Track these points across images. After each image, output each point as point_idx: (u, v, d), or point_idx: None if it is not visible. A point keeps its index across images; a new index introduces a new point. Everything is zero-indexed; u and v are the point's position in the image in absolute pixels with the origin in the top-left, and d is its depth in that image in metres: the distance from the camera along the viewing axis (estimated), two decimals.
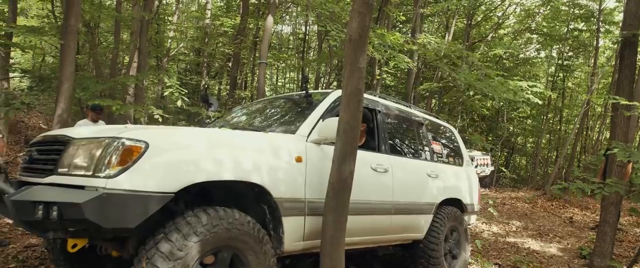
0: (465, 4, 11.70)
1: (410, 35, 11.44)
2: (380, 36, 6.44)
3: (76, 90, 6.92)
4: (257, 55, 14.22)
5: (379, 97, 4.40)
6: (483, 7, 15.43)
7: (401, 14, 9.40)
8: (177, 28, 15.01)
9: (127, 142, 2.14)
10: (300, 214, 2.92)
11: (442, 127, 5.16)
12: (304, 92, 3.72)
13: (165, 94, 10.66)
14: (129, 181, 2.05)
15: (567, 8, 14.95)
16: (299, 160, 2.96)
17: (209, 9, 15.38)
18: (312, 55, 19.38)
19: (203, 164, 2.34)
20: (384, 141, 3.91)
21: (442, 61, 7.56)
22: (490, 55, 13.89)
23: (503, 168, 16.51)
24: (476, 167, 12.45)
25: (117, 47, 11.22)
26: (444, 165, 4.67)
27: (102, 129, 2.55)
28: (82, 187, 2.04)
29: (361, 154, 3.40)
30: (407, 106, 4.69)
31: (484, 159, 12.82)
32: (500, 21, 16.26)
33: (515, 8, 16.02)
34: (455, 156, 5.08)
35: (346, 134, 3.17)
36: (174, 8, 16.30)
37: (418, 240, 4.22)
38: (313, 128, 3.21)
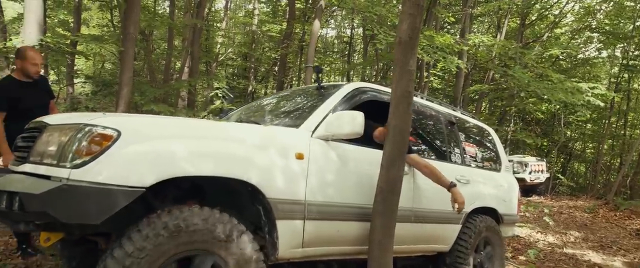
0: (519, 3, 11.22)
1: (459, 36, 11.13)
2: (429, 38, 6.30)
3: (134, 94, 7.28)
4: (303, 59, 14.37)
5: None
6: (538, 5, 14.71)
7: (450, 14, 9.15)
8: (225, 34, 15.48)
9: (96, 129, 1.92)
10: (298, 218, 2.60)
11: (477, 128, 4.72)
12: (317, 84, 3.50)
13: (211, 95, 11.01)
14: (95, 172, 1.84)
15: (632, 4, 13.95)
16: (299, 157, 2.64)
17: (256, 15, 15.73)
18: (357, 58, 19.33)
19: (180, 157, 2.08)
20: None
21: (493, 62, 7.28)
22: (545, 56, 13.22)
23: (560, 175, 15.63)
24: (530, 173, 11.88)
25: (170, 53, 11.72)
26: (478, 170, 4.26)
27: (78, 115, 2.32)
28: (48, 177, 1.87)
29: (376, 154, 3.17)
30: (436, 102, 4.32)
31: (538, 165, 12.20)
32: (557, 20, 15.42)
33: (574, 5, 15.17)
34: (492, 160, 4.64)
35: (395, 137, 3.11)
36: (222, 15, 16.82)
37: (444, 252, 3.85)
38: (320, 123, 2.88)
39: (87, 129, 1.92)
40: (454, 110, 4.56)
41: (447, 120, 4.13)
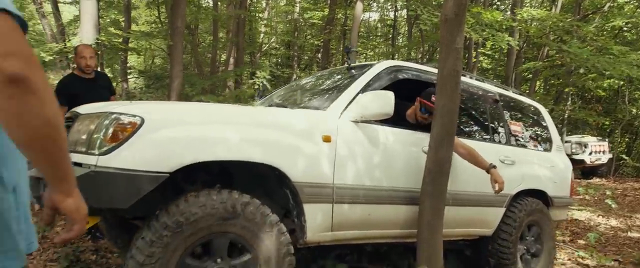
0: None
1: (509, 11, 10.59)
2: (476, 15, 6.05)
3: (185, 86, 7.57)
4: (346, 44, 14.26)
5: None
6: None
7: None
8: (268, 23, 15.65)
9: (121, 117, 1.99)
10: (326, 201, 2.58)
11: (525, 105, 4.47)
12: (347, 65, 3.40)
13: (256, 86, 11.20)
14: (121, 159, 1.90)
15: None
16: (327, 140, 2.59)
17: (297, 3, 15.77)
18: (401, 41, 18.94)
19: (202, 143, 2.12)
20: None
21: (548, 37, 6.87)
22: (607, 27, 12.26)
23: (624, 156, 14.60)
24: (590, 154, 11.23)
25: (216, 45, 12.03)
26: (525, 150, 4.05)
27: (107, 104, 2.40)
28: (80, 164, 1.94)
29: (409, 135, 3.12)
30: (477, 79, 4.13)
31: (599, 146, 11.48)
32: None
33: None
34: (541, 140, 4.38)
35: (443, 117, 3.04)
36: (264, 4, 17.00)
37: (486, 236, 3.71)
38: (349, 104, 2.80)
39: (112, 117, 1.99)
40: (498, 87, 4.34)
41: (490, 98, 3.96)
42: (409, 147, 3.09)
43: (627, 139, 17.57)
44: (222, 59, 14.45)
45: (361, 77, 3.05)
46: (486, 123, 3.85)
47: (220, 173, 2.49)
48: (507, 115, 4.07)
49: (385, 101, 2.65)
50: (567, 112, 7.73)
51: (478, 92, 3.91)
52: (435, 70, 3.60)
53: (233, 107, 2.71)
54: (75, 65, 4.23)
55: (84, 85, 3.94)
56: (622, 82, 11.96)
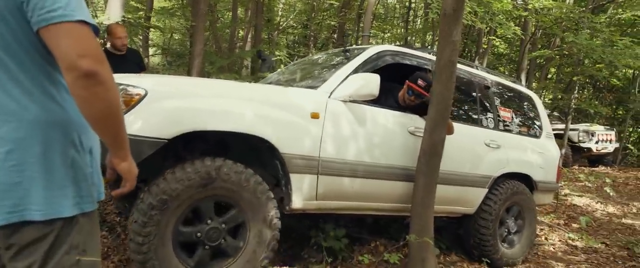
0: None
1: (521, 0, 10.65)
2: (486, 4, 6.25)
3: (205, 64, 7.96)
4: (361, 25, 14.43)
5: (432, 53, 3.96)
6: None
7: None
8: (286, 2, 15.84)
9: (128, 89, 2.25)
10: (312, 173, 2.79)
11: (517, 92, 4.64)
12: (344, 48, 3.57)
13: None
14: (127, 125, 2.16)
15: None
16: (315, 116, 2.80)
17: None
18: (419, 23, 18.94)
19: (199, 114, 2.34)
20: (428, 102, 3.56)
21: (556, 27, 7.01)
22: (624, 18, 12.20)
23: (630, 146, 14.64)
24: (597, 142, 11.36)
25: (235, 23, 12.34)
26: (512, 136, 4.23)
27: (119, 77, 2.63)
28: None
29: (396, 115, 3.32)
30: (471, 66, 4.31)
31: (606, 135, 11.59)
32: None
33: None
34: (531, 126, 4.57)
35: (438, 103, 3.37)
36: None
37: (468, 214, 3.93)
38: (339, 85, 3.01)
39: (120, 88, 2.21)
40: (493, 75, 4.53)
41: (481, 84, 4.14)
42: (395, 127, 3.29)
43: (639, 130, 17.51)
44: (240, 36, 14.75)
45: (353, 60, 3.26)
46: (475, 107, 4.03)
47: (219, 144, 2.72)
48: (497, 101, 4.24)
49: (369, 83, 2.86)
50: (573, 100, 7.90)
51: (470, 77, 4.12)
52: (428, 55, 3.82)
53: (229, 83, 2.91)
54: (106, 42, 4.61)
55: (115, 62, 4.33)
56: (637, 71, 11.94)
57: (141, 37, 12.01)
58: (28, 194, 1.09)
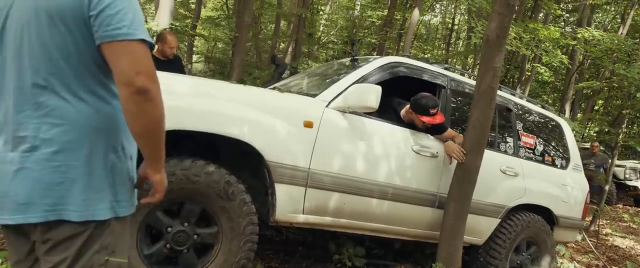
0: None
1: (575, 26, 10.27)
2: (533, 31, 6.08)
3: (243, 74, 8.14)
4: (402, 44, 14.39)
5: (450, 70, 3.79)
6: None
7: (558, 8, 8.46)
8: (329, 17, 16.04)
9: None
10: (300, 184, 2.63)
11: (543, 118, 4.29)
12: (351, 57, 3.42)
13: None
14: None
15: None
16: (308, 125, 2.65)
17: (358, 2, 16.05)
18: (461, 45, 18.69)
19: (185, 113, 2.27)
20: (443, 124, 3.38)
21: (606, 58, 6.71)
22: None
23: None
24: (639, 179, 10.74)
25: (277, 36, 12.58)
26: (533, 164, 3.93)
27: None
28: None
29: (400, 131, 3.15)
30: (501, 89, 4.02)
31: None
32: None
33: None
34: (557, 156, 4.23)
35: (475, 130, 3.31)
36: None
37: (476, 244, 3.67)
38: (340, 94, 2.85)
39: None
40: (518, 96, 4.28)
41: (501, 105, 3.88)
42: (398, 144, 3.10)
43: None
44: (281, 47, 15.01)
45: (358, 70, 3.09)
46: (493, 131, 3.74)
47: (209, 147, 2.62)
48: (520, 125, 3.98)
49: (369, 95, 2.66)
50: (620, 135, 7.50)
51: None
52: (441, 70, 3.63)
53: (218, 83, 2.76)
54: (157, 47, 4.83)
55: (162, 67, 4.53)
56: None
57: (186, 44, 12.46)
58: (67, 195, 1.15)
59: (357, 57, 3.42)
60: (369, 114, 2.96)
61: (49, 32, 1.12)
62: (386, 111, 3.38)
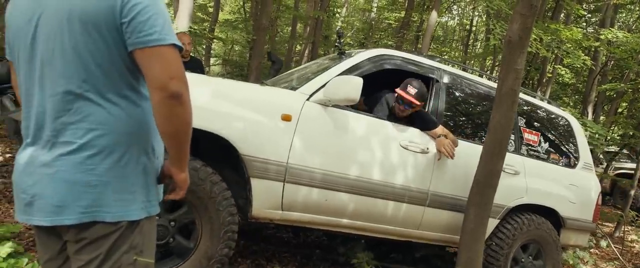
0: None
1: (598, 27, 10.05)
2: (554, 32, 5.96)
3: (260, 77, 8.19)
4: (419, 46, 14.30)
5: (444, 63, 3.63)
6: None
7: (580, 8, 8.26)
8: (345, 20, 16.04)
9: None
10: (277, 179, 2.55)
11: (550, 114, 4.06)
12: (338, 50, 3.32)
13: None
14: None
15: None
16: (286, 118, 2.57)
17: (375, 4, 16.01)
18: (479, 47, 18.47)
19: None
20: (433, 117, 3.26)
21: (631, 59, 6.54)
22: None
23: None
24: None
25: (293, 39, 12.64)
26: (537, 162, 3.71)
27: None
28: None
29: (386, 126, 3.03)
30: (491, 79, 3.92)
31: None
32: None
33: None
34: (564, 154, 3.99)
35: (496, 132, 3.25)
36: (343, 0, 17.39)
37: None
38: (322, 86, 2.73)
39: None
40: (521, 91, 3.95)
41: None
42: (383, 139, 2.98)
43: None
44: (297, 49, 15.06)
45: (343, 63, 2.98)
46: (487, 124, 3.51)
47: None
48: (521, 121, 3.80)
49: (349, 87, 2.54)
50: None
51: (489, 92, 3.69)
52: (432, 62, 3.48)
53: (197, 76, 2.65)
54: None
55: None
56: None
57: (204, 47, 12.60)
58: (102, 197, 1.18)
59: (343, 50, 3.31)
60: (357, 109, 2.86)
61: (82, 40, 1.15)
62: (380, 105, 3.30)
